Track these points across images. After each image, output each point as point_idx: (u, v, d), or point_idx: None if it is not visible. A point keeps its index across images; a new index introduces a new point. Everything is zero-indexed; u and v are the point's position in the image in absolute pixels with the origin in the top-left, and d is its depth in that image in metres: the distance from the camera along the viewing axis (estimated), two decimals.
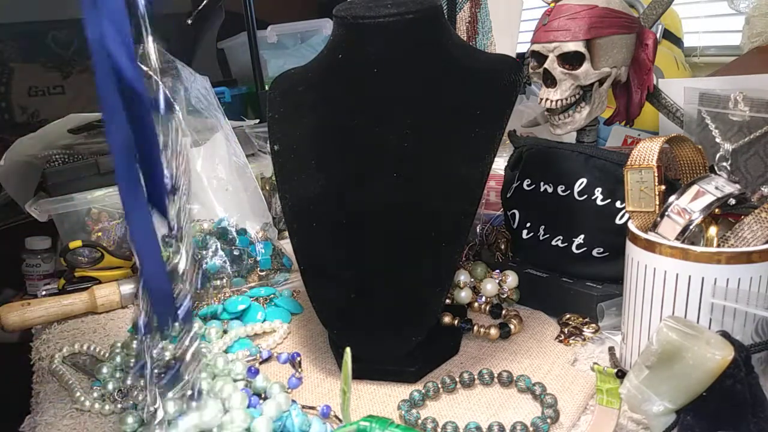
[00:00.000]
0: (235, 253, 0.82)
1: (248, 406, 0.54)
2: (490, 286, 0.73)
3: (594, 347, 0.66)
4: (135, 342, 0.65)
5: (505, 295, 0.74)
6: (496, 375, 0.59)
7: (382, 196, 0.61)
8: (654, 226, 0.55)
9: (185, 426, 0.43)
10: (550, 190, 0.76)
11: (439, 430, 0.52)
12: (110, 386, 0.60)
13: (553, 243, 0.75)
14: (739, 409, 0.43)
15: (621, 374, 0.50)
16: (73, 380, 0.63)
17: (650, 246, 0.54)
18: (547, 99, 0.76)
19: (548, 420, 0.52)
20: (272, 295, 0.78)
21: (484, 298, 0.74)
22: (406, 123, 0.61)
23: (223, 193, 0.94)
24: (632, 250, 0.57)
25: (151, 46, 0.34)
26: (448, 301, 0.74)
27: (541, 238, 0.76)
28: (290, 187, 0.64)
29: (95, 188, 0.90)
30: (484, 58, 0.68)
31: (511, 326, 0.67)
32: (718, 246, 0.53)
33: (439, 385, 0.58)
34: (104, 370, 0.63)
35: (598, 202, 0.72)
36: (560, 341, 0.67)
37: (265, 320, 0.73)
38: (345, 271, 0.61)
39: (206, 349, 0.64)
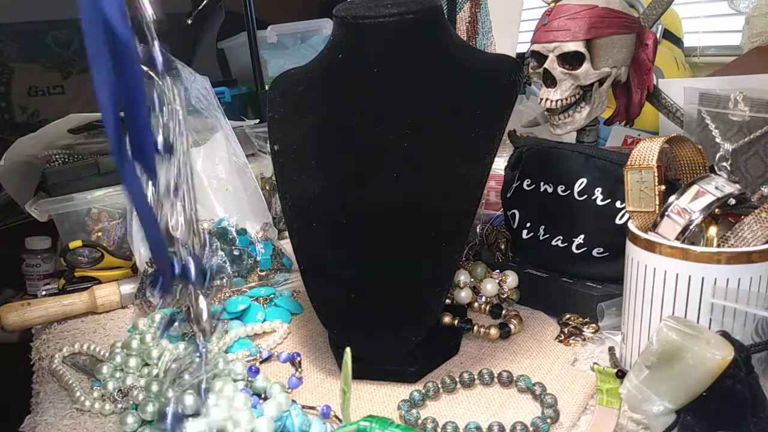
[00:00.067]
0: (235, 253, 0.82)
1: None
2: (490, 286, 0.73)
3: (594, 347, 0.66)
4: (135, 342, 0.65)
5: (505, 295, 0.74)
6: (496, 375, 0.59)
7: (382, 196, 0.61)
8: (654, 226, 0.55)
9: (195, 428, 0.43)
10: (550, 190, 0.76)
11: (439, 430, 0.52)
12: (110, 386, 0.60)
13: (553, 243, 0.75)
14: (739, 409, 0.43)
15: (621, 374, 0.50)
16: (73, 380, 0.63)
17: (650, 246, 0.54)
18: (547, 99, 0.76)
19: (548, 420, 0.52)
20: (272, 295, 0.78)
21: (484, 298, 0.74)
22: (406, 123, 0.61)
23: (223, 193, 0.94)
24: (632, 250, 0.57)
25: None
26: (448, 301, 0.74)
27: (541, 238, 0.76)
28: (290, 187, 0.64)
29: (95, 188, 0.90)
30: (484, 58, 0.68)
31: (511, 326, 0.67)
32: (718, 246, 0.53)
33: (439, 385, 0.58)
34: (104, 370, 0.63)
35: (598, 202, 0.72)
36: (560, 341, 0.67)
37: (265, 320, 0.73)
38: (345, 271, 0.61)
39: (206, 350, 0.63)
